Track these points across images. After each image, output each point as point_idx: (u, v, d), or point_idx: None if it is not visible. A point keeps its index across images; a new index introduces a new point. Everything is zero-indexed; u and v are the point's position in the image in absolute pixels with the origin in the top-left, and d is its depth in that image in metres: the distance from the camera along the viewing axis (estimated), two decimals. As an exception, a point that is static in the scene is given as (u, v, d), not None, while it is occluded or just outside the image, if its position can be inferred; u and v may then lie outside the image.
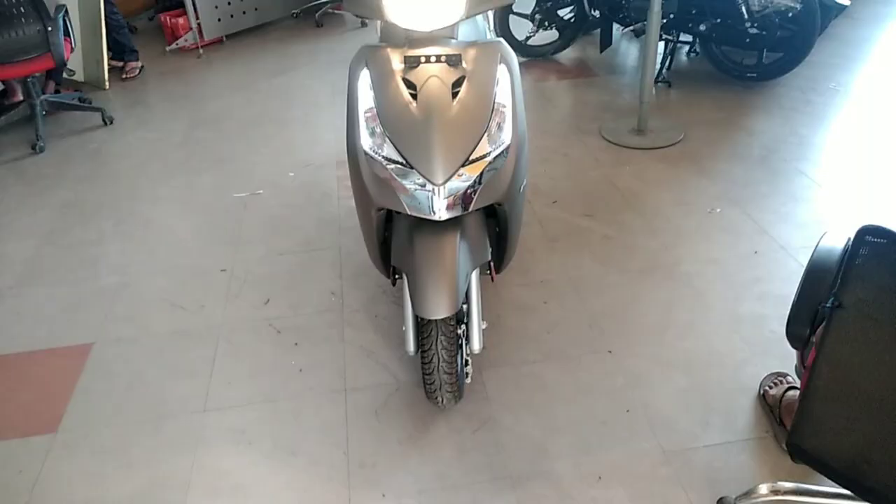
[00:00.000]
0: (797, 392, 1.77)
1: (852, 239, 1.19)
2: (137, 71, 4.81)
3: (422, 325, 1.70)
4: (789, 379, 1.90)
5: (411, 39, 1.72)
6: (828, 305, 1.26)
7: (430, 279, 1.59)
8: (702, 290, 2.36)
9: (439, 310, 1.58)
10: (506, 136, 1.67)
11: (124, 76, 4.74)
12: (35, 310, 2.49)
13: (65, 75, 4.44)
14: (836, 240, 1.39)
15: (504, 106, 1.68)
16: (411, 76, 1.65)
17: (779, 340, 2.09)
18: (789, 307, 1.44)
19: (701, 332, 2.17)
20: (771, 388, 1.89)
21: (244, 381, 2.10)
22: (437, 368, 1.73)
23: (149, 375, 2.15)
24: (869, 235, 1.14)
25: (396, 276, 1.94)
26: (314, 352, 2.19)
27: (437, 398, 1.81)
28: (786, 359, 1.99)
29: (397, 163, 1.61)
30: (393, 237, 1.83)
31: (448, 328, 1.68)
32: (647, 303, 2.32)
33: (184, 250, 2.78)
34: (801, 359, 1.48)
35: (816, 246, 1.40)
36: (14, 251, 2.85)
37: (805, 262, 2.33)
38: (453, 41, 1.74)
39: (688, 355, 2.08)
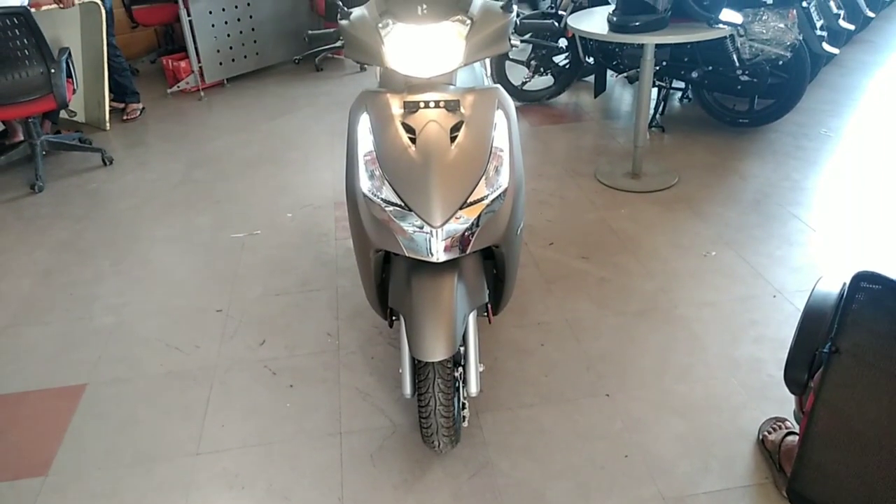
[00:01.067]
0: (796, 437, 1.75)
1: (848, 285, 1.20)
2: (138, 113, 4.87)
3: (419, 367, 1.69)
4: (788, 424, 1.89)
5: (410, 85, 1.75)
6: (825, 351, 1.27)
7: (428, 321, 1.60)
8: (698, 333, 2.36)
9: (436, 352, 1.57)
10: (503, 180, 1.69)
11: (125, 118, 4.80)
12: (29, 349, 2.47)
13: (66, 116, 4.50)
14: (832, 284, 1.40)
15: (501, 150, 1.71)
16: (410, 121, 1.68)
17: (776, 384, 2.09)
18: (786, 351, 1.44)
19: (699, 375, 2.17)
20: (770, 433, 1.88)
21: (238, 423, 2.08)
22: (433, 412, 1.71)
23: (142, 417, 2.12)
24: (864, 282, 1.16)
25: (393, 318, 1.94)
26: (309, 394, 2.17)
27: (433, 442, 1.79)
28: (784, 403, 1.98)
29: (396, 205, 1.63)
30: (391, 279, 1.84)
31: (445, 371, 1.68)
32: (645, 346, 2.32)
33: (180, 290, 2.78)
34: (800, 404, 1.48)
35: (812, 291, 1.41)
36: (10, 290, 2.84)
37: (801, 305, 2.35)
38: (452, 87, 1.78)
39: (686, 399, 2.07)
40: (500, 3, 1.81)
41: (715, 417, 2.00)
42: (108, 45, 4.46)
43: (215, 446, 1.99)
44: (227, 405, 2.15)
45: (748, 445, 1.90)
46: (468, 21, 1.74)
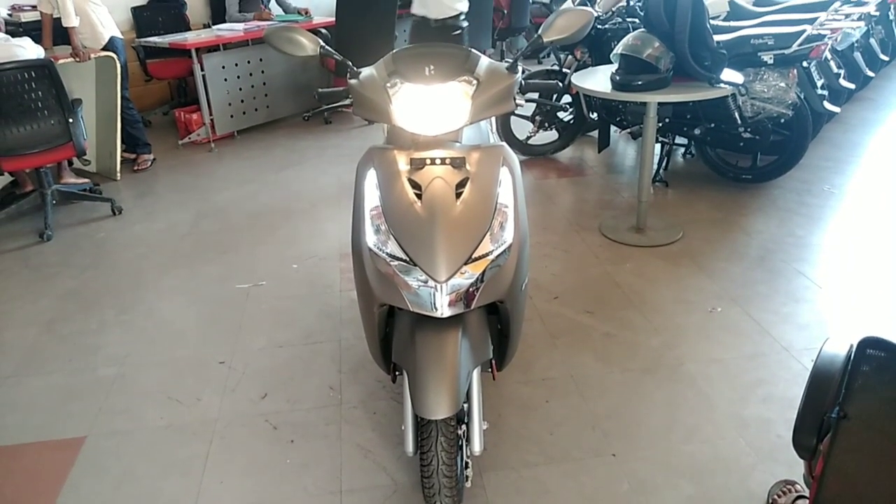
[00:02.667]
0: (806, 502, 1.71)
1: (854, 351, 1.19)
2: (149, 163, 4.95)
3: (421, 424, 1.67)
4: (798, 487, 1.84)
5: (417, 142, 1.78)
6: (833, 416, 1.25)
7: (431, 377, 1.58)
8: (705, 391, 2.33)
9: (440, 409, 1.55)
10: (508, 236, 1.70)
11: (136, 168, 4.88)
12: (30, 400, 2.45)
13: (80, 165, 4.57)
14: (839, 346, 1.39)
15: (506, 206, 1.72)
16: (416, 177, 1.70)
17: (786, 446, 2.05)
18: (795, 411, 1.42)
19: (706, 435, 2.13)
20: (780, 496, 1.83)
21: (237, 479, 2.04)
22: (436, 471, 1.68)
23: (140, 472, 2.09)
24: (870, 348, 1.15)
25: (397, 373, 1.92)
26: (310, 450, 2.14)
27: (435, 503, 1.75)
28: (794, 465, 1.94)
29: (401, 260, 1.64)
30: (394, 333, 1.83)
31: (448, 429, 1.65)
32: (651, 403, 2.29)
33: (183, 341, 2.77)
34: (809, 468, 1.45)
35: (819, 353, 1.40)
36: (14, 339, 2.84)
37: (809, 364, 2.32)
38: (458, 144, 1.81)
39: (693, 460, 2.03)
40: (506, 64, 1.85)
41: (723, 480, 1.96)
42: (122, 97, 4.57)
43: (212, 503, 1.96)
44: (227, 460, 2.12)
45: (758, 509, 1.86)
46: (474, 81, 1.78)
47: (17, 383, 2.55)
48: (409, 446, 1.72)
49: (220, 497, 1.98)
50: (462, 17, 5.39)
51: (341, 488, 1.98)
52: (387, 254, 1.66)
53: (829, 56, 4.03)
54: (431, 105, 1.75)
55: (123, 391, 2.48)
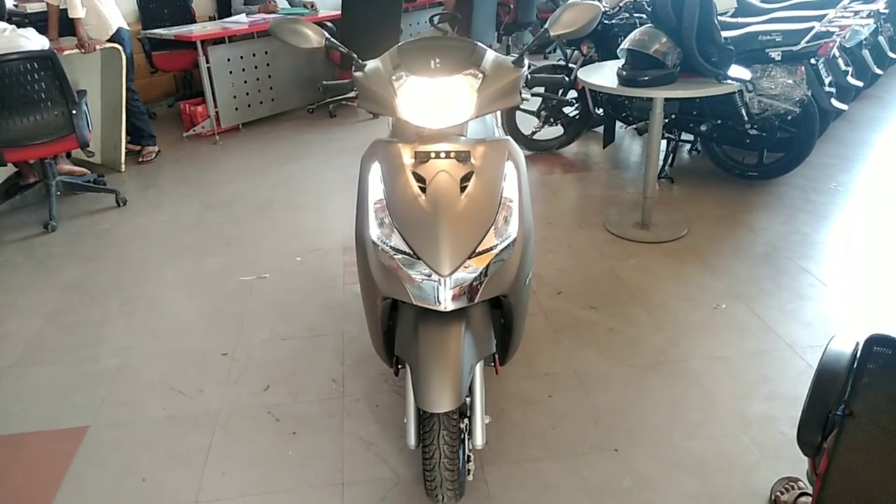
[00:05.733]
0: (809, 499, 1.71)
1: (860, 349, 1.18)
2: (154, 155, 4.95)
3: (424, 418, 1.66)
4: (801, 484, 1.84)
5: (422, 136, 1.77)
6: (838, 413, 1.24)
7: (434, 371, 1.58)
8: (709, 388, 2.32)
9: (442, 403, 1.55)
10: (512, 230, 1.70)
11: (141, 160, 4.88)
12: (33, 390, 2.45)
13: (84, 157, 4.57)
14: (845, 344, 1.38)
15: (511, 201, 1.72)
16: (421, 170, 1.69)
17: (789, 443, 2.04)
18: (799, 409, 1.41)
19: (709, 432, 2.12)
20: (782, 493, 1.83)
21: (239, 471, 2.04)
22: (438, 464, 1.68)
23: (142, 463, 2.09)
24: (877, 346, 1.14)
25: (399, 366, 1.92)
26: (312, 442, 2.14)
27: (437, 496, 1.75)
28: (797, 462, 1.93)
29: (404, 253, 1.63)
30: (397, 327, 1.83)
31: (451, 422, 1.65)
32: (654, 399, 2.28)
33: (186, 333, 2.77)
34: (813, 466, 1.44)
35: (824, 351, 1.39)
36: (17, 329, 2.84)
37: (813, 362, 2.31)
38: (463, 138, 1.80)
39: (696, 457, 2.02)
40: (512, 58, 1.84)
41: (726, 477, 1.95)
42: (127, 89, 4.56)
43: (215, 495, 1.96)
44: (229, 452, 2.12)
45: (761, 507, 1.85)
46: (480, 75, 1.77)
47: (20, 373, 2.55)
48: (412, 439, 1.72)
49: (222, 488, 1.98)
50: None
51: (343, 480, 1.98)
52: (390, 247, 1.66)
53: (838, 53, 3.99)
54: (437, 98, 1.74)
55: (126, 382, 2.48)
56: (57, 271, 3.33)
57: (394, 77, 1.77)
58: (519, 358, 2.46)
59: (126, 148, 4.74)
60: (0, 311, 3.00)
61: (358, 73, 1.85)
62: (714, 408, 2.23)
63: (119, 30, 4.56)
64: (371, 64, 1.86)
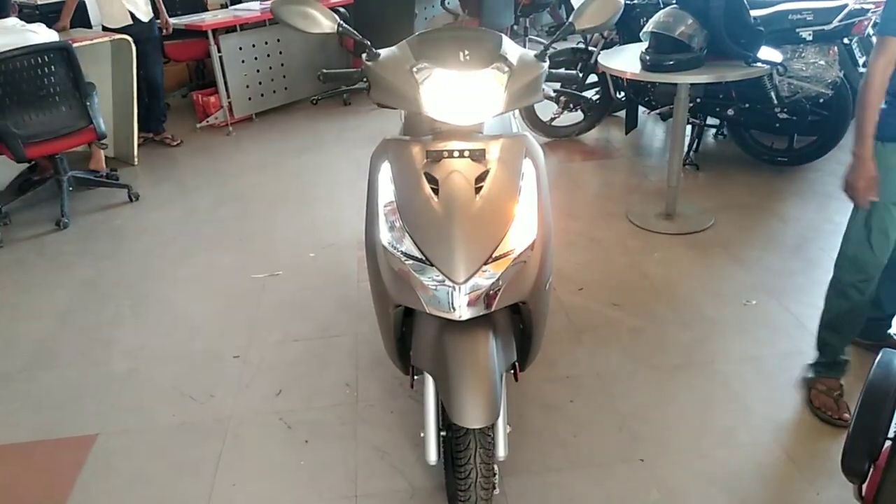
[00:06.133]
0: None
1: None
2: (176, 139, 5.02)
3: (458, 435, 1.57)
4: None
5: (437, 132, 1.67)
6: (890, 437, 1.13)
7: (467, 385, 1.48)
8: (739, 391, 2.21)
9: (479, 418, 1.46)
10: (531, 232, 1.59)
11: (173, 144, 4.97)
12: (43, 395, 2.41)
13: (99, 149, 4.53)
14: (895, 360, 1.26)
15: (529, 200, 1.61)
16: (433, 170, 1.59)
17: (826, 455, 1.93)
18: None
19: (741, 440, 2.01)
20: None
21: (249, 482, 1.98)
22: (474, 484, 1.59)
23: (151, 472, 2.04)
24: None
25: (415, 376, 1.82)
26: (325, 451, 2.07)
27: None
28: (834, 474, 1.81)
29: (416, 259, 1.54)
30: (414, 334, 1.72)
31: (486, 439, 1.56)
32: (681, 404, 2.17)
33: (198, 334, 2.71)
34: (860, 490, 1.33)
35: (872, 367, 1.27)
36: (28, 331, 2.80)
37: (852, 362, 2.19)
38: (478, 135, 1.69)
39: (727, 468, 1.92)
40: (535, 53, 1.73)
41: (759, 489, 1.85)
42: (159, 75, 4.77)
43: (225, 507, 1.90)
44: (240, 461, 2.06)
45: (797, 522, 1.75)
46: (507, 69, 1.65)
47: (29, 378, 2.51)
48: (432, 455, 1.62)
49: (233, 500, 1.92)
50: None
51: (356, 493, 1.91)
52: (402, 252, 1.56)
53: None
54: (464, 93, 1.61)
55: (136, 387, 2.42)
56: (68, 270, 3.29)
57: (416, 68, 1.63)
58: (539, 359, 2.32)
59: (157, 139, 4.91)
60: (11, 312, 2.96)
61: (370, 63, 1.72)
62: (745, 413, 2.12)
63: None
64: (386, 53, 1.73)
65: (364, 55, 1.75)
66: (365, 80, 1.75)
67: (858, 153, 1.84)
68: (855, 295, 2.05)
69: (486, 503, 1.63)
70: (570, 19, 1.74)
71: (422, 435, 1.66)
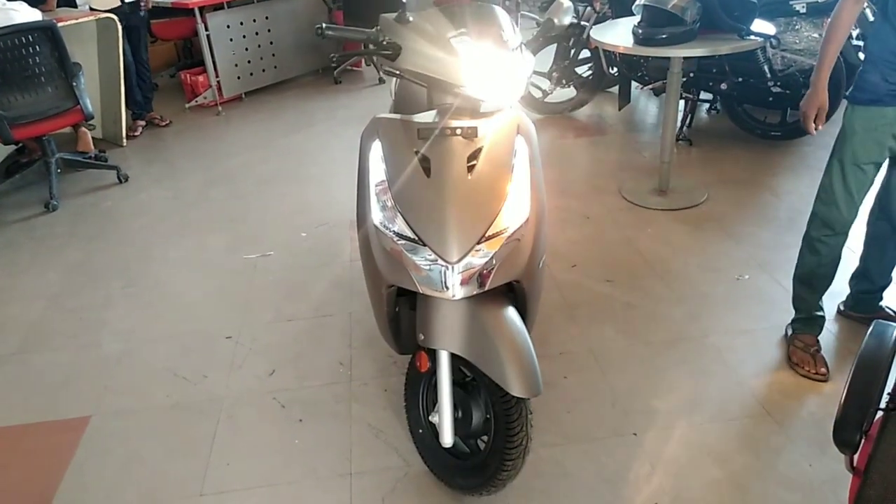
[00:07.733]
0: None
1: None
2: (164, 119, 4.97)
3: (508, 406, 1.57)
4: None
5: (441, 108, 1.61)
6: (882, 408, 1.13)
7: (517, 356, 1.49)
8: (733, 365, 2.22)
9: (536, 384, 1.48)
10: (524, 210, 1.58)
11: (162, 124, 4.92)
12: (35, 378, 2.40)
13: (86, 129, 4.47)
14: (888, 331, 1.26)
15: (522, 178, 1.60)
16: (425, 149, 1.57)
17: (818, 425, 1.94)
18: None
19: (734, 413, 2.02)
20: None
21: (244, 461, 1.98)
22: (524, 451, 1.61)
23: (145, 453, 2.04)
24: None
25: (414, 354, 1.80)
26: (319, 429, 2.07)
27: (502, 485, 1.68)
28: (825, 445, 1.84)
29: (409, 239, 1.52)
30: (423, 315, 1.61)
31: (528, 404, 1.59)
32: (674, 379, 2.18)
33: (190, 315, 2.70)
34: (851, 460, 1.34)
35: (866, 337, 1.27)
36: (19, 314, 2.78)
37: (842, 334, 2.20)
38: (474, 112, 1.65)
39: (720, 441, 1.93)
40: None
41: (752, 461, 1.86)
42: (143, 59, 4.70)
43: (220, 487, 1.90)
44: (234, 441, 2.06)
45: (789, 494, 1.76)
46: (519, 53, 1.64)
47: (21, 361, 2.50)
48: (448, 437, 1.60)
49: (227, 479, 1.92)
50: None
51: (351, 470, 1.91)
52: (394, 232, 1.55)
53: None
54: (501, 71, 1.56)
55: (129, 368, 2.41)
56: (59, 252, 3.26)
57: (454, 36, 1.55)
58: (532, 336, 2.36)
59: (146, 120, 4.85)
60: (2, 295, 2.94)
61: (400, 25, 1.59)
62: (738, 387, 2.13)
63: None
64: (419, 17, 1.61)
65: (397, 17, 1.61)
66: (384, 42, 1.58)
67: (814, 81, 2.04)
68: (823, 249, 2.16)
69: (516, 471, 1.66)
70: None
71: (431, 418, 1.65)
